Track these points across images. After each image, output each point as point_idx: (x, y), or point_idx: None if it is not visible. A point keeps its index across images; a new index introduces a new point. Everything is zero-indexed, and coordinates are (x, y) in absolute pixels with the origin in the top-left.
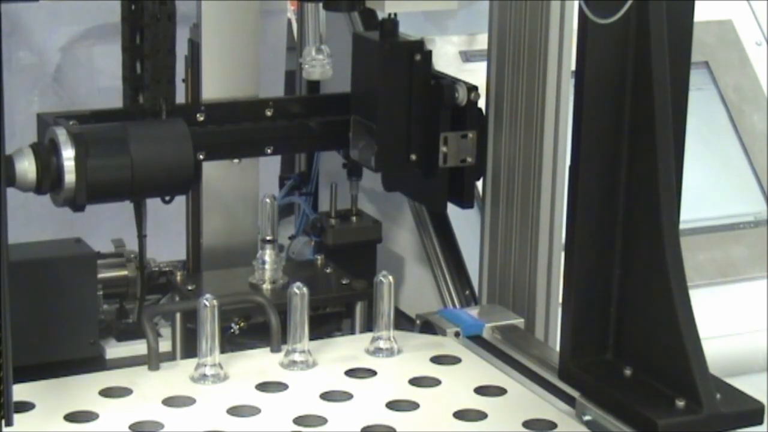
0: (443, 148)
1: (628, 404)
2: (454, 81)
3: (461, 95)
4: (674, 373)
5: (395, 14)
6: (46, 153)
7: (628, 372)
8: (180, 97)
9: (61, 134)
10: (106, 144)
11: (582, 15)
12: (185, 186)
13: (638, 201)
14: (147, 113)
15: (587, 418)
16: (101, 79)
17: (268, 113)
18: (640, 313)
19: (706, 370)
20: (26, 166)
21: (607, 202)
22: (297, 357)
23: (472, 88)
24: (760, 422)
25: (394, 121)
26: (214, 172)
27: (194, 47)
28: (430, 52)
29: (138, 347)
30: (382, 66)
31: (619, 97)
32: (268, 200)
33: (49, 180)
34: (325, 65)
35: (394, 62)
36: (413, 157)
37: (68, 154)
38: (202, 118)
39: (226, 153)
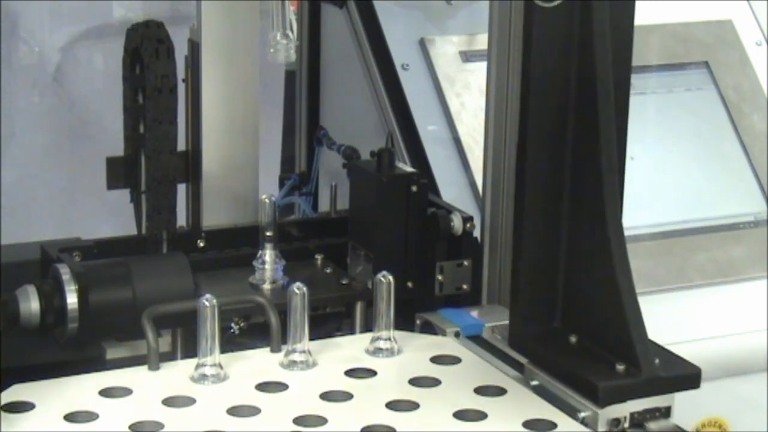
0: (439, 277)
1: (572, 369)
2: (449, 211)
3: (456, 225)
4: (615, 340)
5: (392, 144)
6: (49, 291)
7: (573, 339)
8: (180, 97)
9: (65, 273)
10: (109, 282)
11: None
12: (188, 319)
13: (583, 179)
14: (149, 243)
15: (534, 383)
16: (101, 80)
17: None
18: (585, 284)
19: (645, 337)
20: (30, 306)
21: (553, 179)
22: (297, 357)
23: (468, 219)
24: (696, 386)
25: (391, 249)
26: (214, 171)
27: (194, 47)
28: (426, 184)
29: (138, 347)
30: (378, 197)
31: (564, 73)
32: (267, 200)
33: (53, 318)
34: (289, 49)
35: (391, 194)
36: (410, 284)
37: (71, 293)
38: (202, 245)
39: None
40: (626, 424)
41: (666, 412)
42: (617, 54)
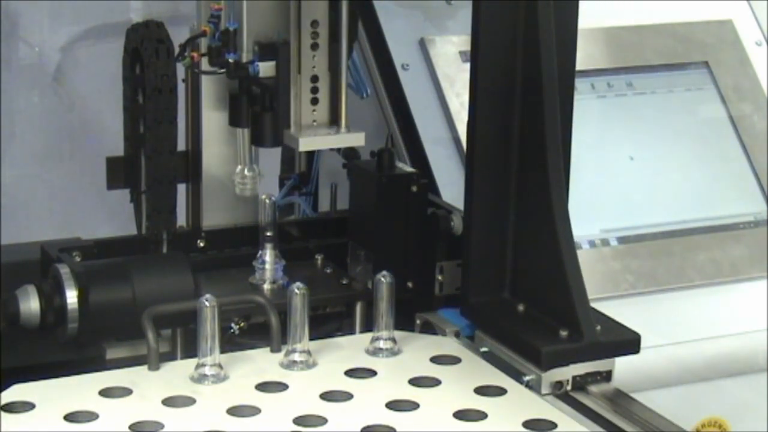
0: (439, 277)
1: (519, 335)
2: (449, 211)
3: (456, 225)
4: (559, 308)
5: (392, 144)
6: (49, 291)
7: (521, 308)
8: (180, 97)
9: (65, 273)
10: (109, 282)
11: None
12: (188, 319)
13: (529, 162)
14: (149, 243)
15: (484, 349)
16: (101, 80)
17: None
18: (531, 255)
19: (587, 304)
20: (30, 305)
21: (502, 155)
22: (297, 357)
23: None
24: (636, 351)
25: (391, 249)
26: (214, 171)
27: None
28: (426, 184)
29: (138, 347)
30: (378, 197)
31: (512, 55)
32: (267, 200)
33: (53, 318)
34: (255, 182)
35: (391, 194)
36: (410, 284)
37: (71, 293)
38: (202, 245)
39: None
40: (569, 387)
41: (607, 376)
42: (560, 43)
